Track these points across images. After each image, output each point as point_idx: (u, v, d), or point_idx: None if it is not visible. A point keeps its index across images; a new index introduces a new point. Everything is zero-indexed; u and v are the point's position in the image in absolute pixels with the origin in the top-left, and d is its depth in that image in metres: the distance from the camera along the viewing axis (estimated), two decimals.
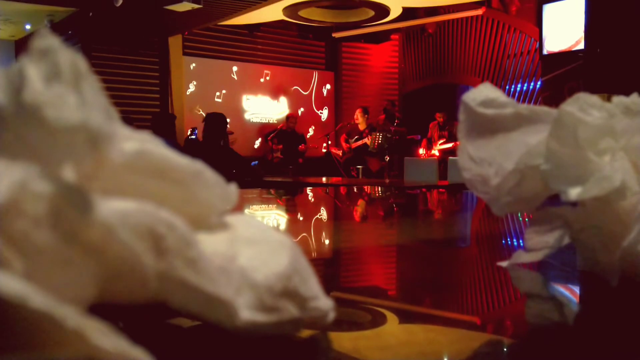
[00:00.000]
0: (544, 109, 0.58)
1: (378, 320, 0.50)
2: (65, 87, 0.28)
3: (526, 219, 1.18)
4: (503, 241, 1.08)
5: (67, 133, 0.27)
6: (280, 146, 8.73)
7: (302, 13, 8.44)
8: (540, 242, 0.64)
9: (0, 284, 0.22)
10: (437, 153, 7.97)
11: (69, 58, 0.29)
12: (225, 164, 4.12)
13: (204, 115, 4.86)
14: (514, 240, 1.06)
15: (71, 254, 0.26)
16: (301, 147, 8.79)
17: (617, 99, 0.58)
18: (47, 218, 0.25)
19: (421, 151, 8.23)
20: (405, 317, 0.54)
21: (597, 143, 0.54)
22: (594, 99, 0.56)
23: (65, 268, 0.25)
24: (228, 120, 4.94)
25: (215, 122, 4.54)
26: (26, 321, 0.23)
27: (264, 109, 9.84)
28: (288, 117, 9.02)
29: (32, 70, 0.28)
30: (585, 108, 0.55)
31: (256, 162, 7.04)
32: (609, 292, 0.55)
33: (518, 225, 1.19)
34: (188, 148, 5.77)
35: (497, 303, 0.61)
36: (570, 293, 0.64)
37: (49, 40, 0.29)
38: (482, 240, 1.10)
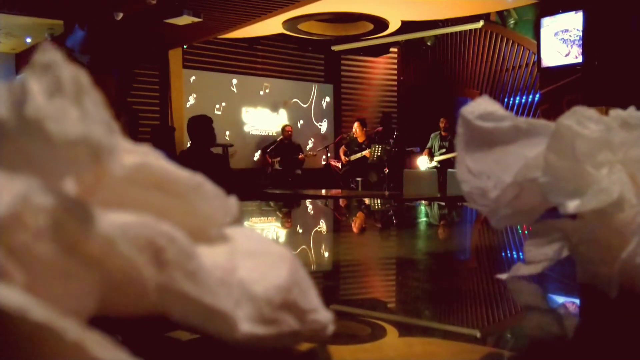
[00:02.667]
0: (542, 122, 0.59)
1: (378, 333, 0.50)
2: (67, 101, 0.28)
3: (526, 232, 1.18)
4: (503, 254, 1.08)
5: (69, 146, 0.27)
6: (278, 158, 8.74)
7: (302, 26, 8.49)
8: (539, 255, 0.64)
9: (1, 297, 0.22)
10: (436, 164, 7.97)
11: (71, 73, 0.29)
12: (216, 170, 4.00)
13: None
14: (513, 252, 1.06)
15: (72, 266, 0.26)
16: (300, 157, 8.81)
17: (615, 112, 0.58)
18: (48, 230, 0.25)
19: (421, 159, 8.22)
20: (405, 330, 0.54)
21: (594, 156, 0.54)
22: (592, 112, 0.56)
23: (66, 280, 0.26)
24: (227, 133, 4.86)
25: (197, 125, 4.25)
26: (27, 333, 0.23)
27: (263, 121, 9.86)
28: (284, 128, 9.05)
29: (35, 85, 0.28)
30: (583, 121, 0.55)
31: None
32: (608, 304, 0.55)
33: (517, 238, 1.19)
34: (180, 157, 5.64)
35: (497, 316, 0.61)
36: (569, 305, 0.64)
37: (52, 55, 0.29)
38: (482, 253, 1.10)
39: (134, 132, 4.08)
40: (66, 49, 2.61)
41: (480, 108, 0.61)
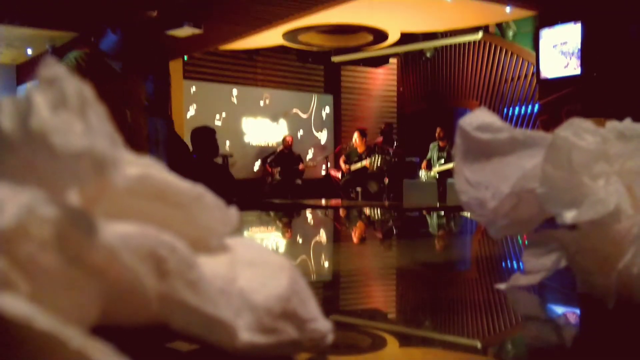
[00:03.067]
0: (539, 133, 0.59)
1: (378, 344, 0.50)
2: (71, 114, 0.29)
3: (526, 242, 1.18)
4: (502, 264, 1.08)
5: (73, 159, 0.27)
6: (279, 168, 8.76)
7: (302, 38, 8.53)
8: (537, 265, 0.64)
9: (7, 306, 0.22)
10: (435, 175, 7.98)
11: (75, 86, 0.30)
12: (218, 181, 4.01)
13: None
14: (513, 262, 1.06)
15: (75, 276, 0.26)
16: (301, 167, 8.82)
17: (611, 124, 0.59)
18: (52, 241, 0.26)
19: (421, 173, 8.24)
20: (405, 340, 0.54)
21: (591, 167, 0.55)
22: (588, 124, 0.57)
23: (70, 290, 0.26)
24: (228, 143, 4.87)
25: (200, 136, 4.30)
26: (31, 341, 0.23)
27: (263, 131, 9.88)
28: (284, 138, 9.09)
29: (40, 98, 0.29)
30: (580, 133, 0.56)
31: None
32: (605, 314, 0.55)
33: (516, 248, 1.19)
34: (182, 168, 5.63)
35: (497, 326, 0.62)
36: (567, 315, 0.65)
37: (56, 69, 0.30)
38: (481, 263, 1.10)
39: (173, 135, 4.06)
40: (100, 52, 2.61)
41: (478, 119, 0.62)
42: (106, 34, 2.61)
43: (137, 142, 2.71)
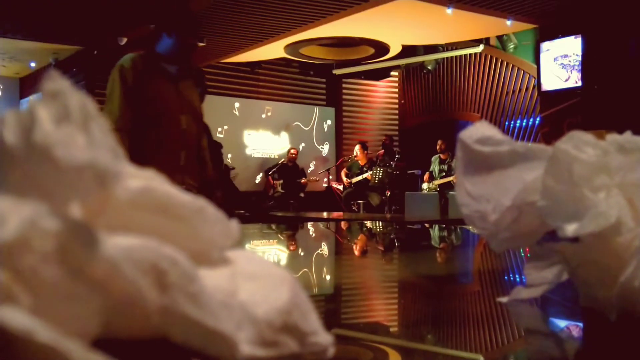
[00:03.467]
0: (540, 146, 0.59)
1: (379, 357, 0.50)
2: (74, 127, 0.29)
3: (528, 254, 1.18)
4: (504, 277, 1.08)
5: (75, 171, 0.28)
6: (281, 180, 8.77)
7: (304, 51, 8.57)
8: (539, 278, 0.64)
9: (9, 318, 0.22)
10: (436, 187, 7.99)
11: (79, 100, 0.30)
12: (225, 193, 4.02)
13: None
14: (515, 275, 1.06)
15: (77, 289, 0.26)
16: (303, 181, 8.83)
17: (611, 137, 0.59)
18: (54, 254, 0.26)
19: (423, 185, 8.26)
20: (407, 354, 0.54)
21: (592, 180, 0.55)
22: (589, 137, 0.57)
23: (71, 303, 0.26)
24: (229, 155, 4.90)
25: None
26: (33, 355, 0.23)
27: (265, 144, 9.90)
28: (289, 151, 9.11)
29: (43, 112, 0.29)
30: (580, 146, 0.56)
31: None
32: (608, 327, 0.55)
33: (518, 261, 1.19)
34: None
35: (498, 339, 0.61)
36: (569, 329, 0.64)
37: (59, 83, 0.30)
38: (482, 276, 1.10)
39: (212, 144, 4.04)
40: (156, 55, 2.57)
41: (479, 132, 0.62)
42: (161, 38, 2.58)
43: (190, 148, 2.65)
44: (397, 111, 11.08)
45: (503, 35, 8.72)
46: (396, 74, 10.94)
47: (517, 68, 8.86)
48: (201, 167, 2.77)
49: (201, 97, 3.28)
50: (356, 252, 1.62)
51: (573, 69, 7.20)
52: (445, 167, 8.02)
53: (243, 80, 9.79)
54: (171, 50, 2.61)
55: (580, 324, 0.64)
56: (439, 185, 8.03)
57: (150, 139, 2.51)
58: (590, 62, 6.96)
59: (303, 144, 10.28)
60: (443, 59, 9.93)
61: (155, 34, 2.67)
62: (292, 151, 9.10)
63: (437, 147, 8.19)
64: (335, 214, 6.19)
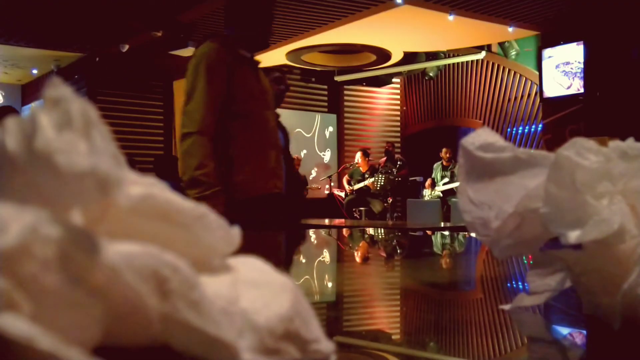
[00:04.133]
0: (542, 153, 0.59)
1: None
2: (76, 134, 0.29)
3: (530, 262, 1.17)
4: (507, 284, 1.07)
5: (77, 178, 0.28)
6: None
7: (305, 57, 8.60)
8: (541, 286, 0.64)
9: (9, 326, 0.22)
10: (439, 194, 7.99)
11: (80, 106, 0.30)
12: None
13: None
14: (517, 282, 1.06)
15: (78, 296, 0.26)
16: (304, 192, 8.83)
17: (614, 143, 0.59)
18: (55, 261, 0.26)
19: (425, 192, 8.26)
20: None
21: (594, 187, 0.55)
22: (591, 143, 0.57)
23: (72, 310, 0.26)
24: None
25: None
26: None
27: None
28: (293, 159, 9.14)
29: (44, 118, 0.29)
30: (583, 152, 0.56)
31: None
32: (611, 335, 0.54)
33: (521, 268, 1.19)
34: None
35: (501, 347, 0.61)
36: (572, 337, 0.64)
37: (61, 90, 0.30)
38: (485, 283, 1.09)
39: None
40: (235, 42, 2.36)
41: (481, 139, 0.62)
42: (239, 23, 2.44)
43: (278, 147, 2.41)
44: (398, 118, 11.10)
45: (505, 42, 8.74)
46: (398, 80, 10.96)
47: (519, 75, 8.88)
48: (287, 167, 2.56)
49: (281, 97, 3.08)
50: (358, 259, 1.62)
51: (575, 76, 7.21)
52: (448, 174, 8.03)
53: None
54: (252, 37, 2.39)
55: (584, 332, 0.64)
56: (442, 192, 8.03)
57: (238, 140, 2.23)
58: (592, 68, 6.97)
59: (305, 151, 10.29)
60: (445, 65, 9.96)
61: (233, 19, 2.46)
62: (296, 158, 9.13)
63: (442, 154, 8.21)
64: (337, 221, 6.18)
